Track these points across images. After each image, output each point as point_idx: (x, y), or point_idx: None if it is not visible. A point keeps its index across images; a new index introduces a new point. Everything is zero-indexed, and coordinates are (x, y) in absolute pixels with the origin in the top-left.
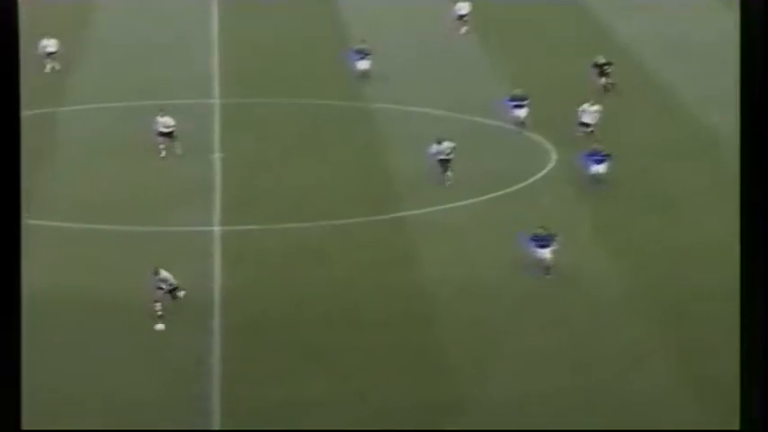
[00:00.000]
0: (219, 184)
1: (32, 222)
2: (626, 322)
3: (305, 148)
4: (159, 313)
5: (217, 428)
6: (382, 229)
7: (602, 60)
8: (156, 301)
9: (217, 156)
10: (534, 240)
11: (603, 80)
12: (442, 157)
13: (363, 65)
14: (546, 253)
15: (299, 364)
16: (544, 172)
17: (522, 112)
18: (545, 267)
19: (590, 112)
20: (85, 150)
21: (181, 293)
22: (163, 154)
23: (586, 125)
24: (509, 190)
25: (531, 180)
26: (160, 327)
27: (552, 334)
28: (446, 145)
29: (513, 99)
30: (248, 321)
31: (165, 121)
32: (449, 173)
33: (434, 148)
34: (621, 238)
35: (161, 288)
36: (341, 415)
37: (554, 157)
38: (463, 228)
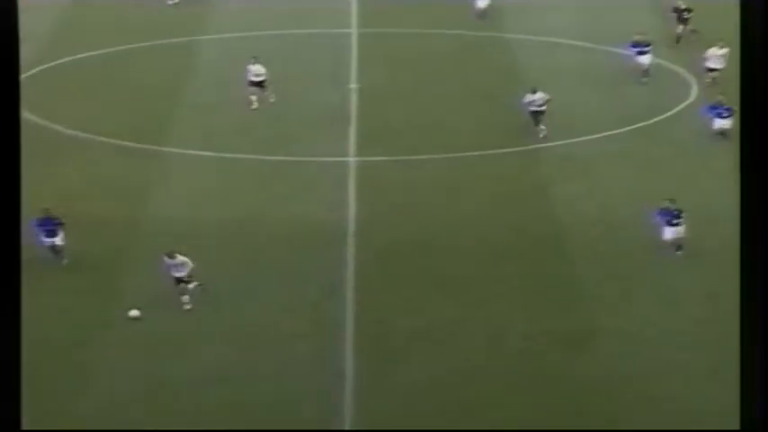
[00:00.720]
0: (355, 114)
1: (170, 150)
2: None
3: (440, 79)
4: (188, 306)
5: (349, 355)
6: (516, 161)
7: (681, 5)
8: (182, 294)
9: (353, 86)
10: (662, 215)
11: (681, 27)
12: (534, 108)
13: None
14: (675, 231)
15: (431, 294)
16: (682, 106)
17: (645, 59)
18: (676, 245)
19: (717, 57)
20: (222, 80)
21: (192, 285)
22: (254, 106)
23: (712, 70)
24: (646, 123)
25: (669, 114)
26: (134, 313)
27: (687, 267)
28: (539, 96)
29: (635, 45)
30: (381, 251)
31: (257, 69)
32: (542, 126)
33: (528, 97)
34: None
35: (176, 277)
36: (471, 344)
37: (694, 92)
38: (598, 160)
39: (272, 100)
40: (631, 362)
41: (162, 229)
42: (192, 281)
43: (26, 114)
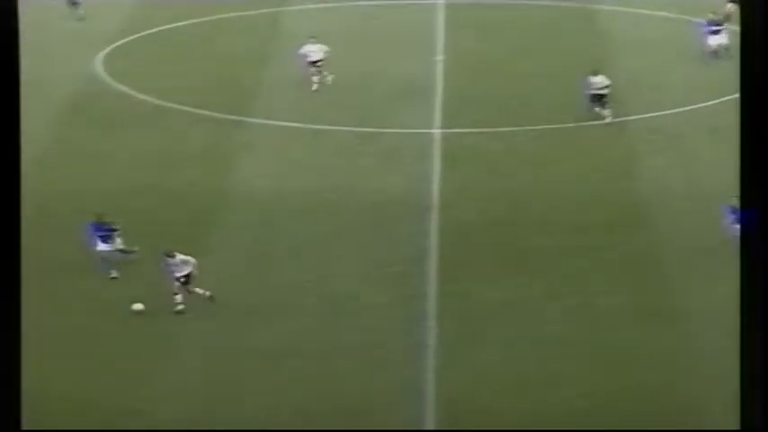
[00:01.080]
0: (440, 86)
1: (255, 121)
2: None
3: (528, 50)
4: (180, 308)
5: (432, 327)
6: (602, 134)
7: None
8: (175, 294)
9: (439, 58)
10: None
11: (729, 5)
12: (595, 91)
13: None
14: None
15: (515, 268)
16: None
17: (717, 39)
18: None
19: None
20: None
21: (204, 292)
22: (314, 87)
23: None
24: (735, 96)
25: None
26: (138, 306)
27: None
28: (600, 79)
29: (709, 24)
30: (465, 224)
31: (314, 49)
32: (605, 110)
33: (589, 80)
34: None
35: (176, 277)
36: (555, 319)
37: None
38: (686, 133)
39: (328, 81)
40: (716, 339)
41: (246, 200)
42: (195, 289)
43: (117, 85)
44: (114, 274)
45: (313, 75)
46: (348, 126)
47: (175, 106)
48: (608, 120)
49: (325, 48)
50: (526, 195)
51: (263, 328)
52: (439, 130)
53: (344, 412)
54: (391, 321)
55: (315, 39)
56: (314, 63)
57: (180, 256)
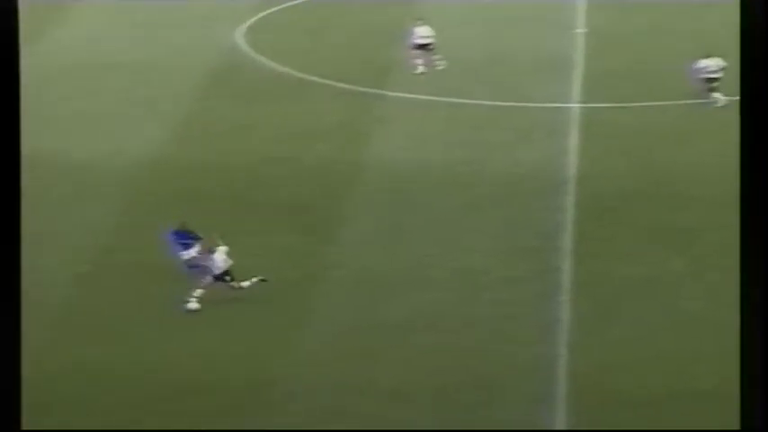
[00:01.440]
0: (581, 59)
1: (392, 94)
2: None
3: (668, 26)
4: (194, 302)
5: (566, 302)
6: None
7: None
8: (199, 290)
9: (579, 31)
10: None
11: None
12: (707, 75)
13: None
14: None
15: (652, 244)
16: None
17: None
18: None
19: None
20: (443, 24)
21: (242, 283)
22: (419, 70)
23: None
24: None
25: None
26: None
27: None
28: (713, 62)
29: None
30: (601, 199)
31: (422, 32)
32: (716, 94)
33: (701, 62)
34: None
35: (215, 275)
36: (693, 293)
37: None
38: None
39: (440, 67)
40: None
41: (382, 173)
42: (242, 284)
43: (257, 56)
44: (194, 304)
45: (416, 58)
46: (485, 100)
47: (316, 79)
48: (719, 104)
49: (432, 31)
50: (665, 171)
51: (395, 300)
52: (578, 104)
53: (475, 386)
54: (524, 296)
55: (422, 21)
56: (422, 47)
57: (222, 250)
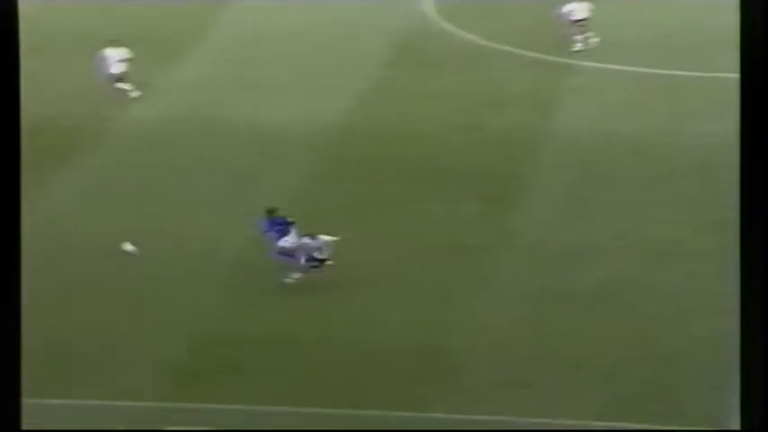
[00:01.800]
0: None
1: (581, 64)
2: None
3: None
4: (293, 278)
5: None
6: None
7: None
8: (296, 270)
9: None
10: None
11: None
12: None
13: None
14: None
15: None
16: None
17: None
18: None
19: None
20: None
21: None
22: (577, 47)
23: None
24: None
25: None
26: (128, 247)
27: None
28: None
29: None
30: None
31: (577, 7)
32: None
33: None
34: None
35: (315, 257)
36: None
37: None
38: None
39: (593, 43)
40: None
41: (569, 143)
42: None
43: (445, 25)
44: (296, 275)
45: (575, 34)
46: (673, 70)
47: (504, 48)
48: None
49: (589, 5)
50: None
51: (579, 270)
52: None
53: (656, 358)
54: (711, 268)
55: None
56: (577, 21)
57: (323, 237)
